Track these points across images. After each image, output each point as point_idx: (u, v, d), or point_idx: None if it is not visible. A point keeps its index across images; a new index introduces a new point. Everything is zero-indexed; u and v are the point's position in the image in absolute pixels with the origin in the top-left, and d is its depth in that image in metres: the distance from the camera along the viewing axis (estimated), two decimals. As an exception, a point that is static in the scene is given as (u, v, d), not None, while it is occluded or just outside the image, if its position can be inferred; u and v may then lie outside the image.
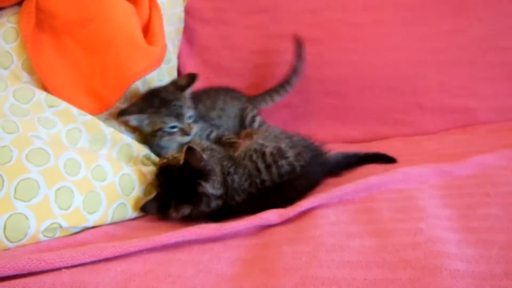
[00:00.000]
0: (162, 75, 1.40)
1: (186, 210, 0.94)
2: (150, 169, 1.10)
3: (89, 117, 1.00)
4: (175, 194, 0.94)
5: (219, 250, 0.81)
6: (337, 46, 1.46)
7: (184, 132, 1.19)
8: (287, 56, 1.54)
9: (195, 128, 1.21)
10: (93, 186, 0.91)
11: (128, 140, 1.07)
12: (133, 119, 1.15)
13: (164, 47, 1.19)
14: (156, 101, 1.16)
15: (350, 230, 0.81)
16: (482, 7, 1.44)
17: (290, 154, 1.01)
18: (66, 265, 0.72)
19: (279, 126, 1.24)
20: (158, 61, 1.13)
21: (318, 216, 0.88)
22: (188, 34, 1.65)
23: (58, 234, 0.86)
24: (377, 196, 0.94)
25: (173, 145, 1.22)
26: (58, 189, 0.85)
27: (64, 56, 1.10)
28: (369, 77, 1.45)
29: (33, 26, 1.09)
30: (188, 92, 1.21)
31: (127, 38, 1.09)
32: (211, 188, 0.93)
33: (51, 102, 0.98)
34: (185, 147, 0.91)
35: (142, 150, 1.11)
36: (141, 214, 1.01)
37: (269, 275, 0.69)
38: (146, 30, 1.25)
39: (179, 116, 1.17)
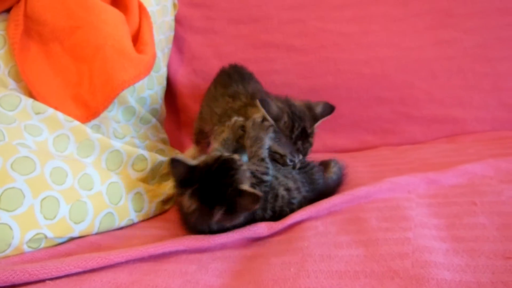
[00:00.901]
0: (152, 84, 1.40)
1: (193, 205, 0.85)
2: (141, 175, 1.09)
3: (76, 123, 0.99)
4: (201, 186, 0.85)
5: (207, 261, 0.80)
6: (326, 56, 1.47)
7: (294, 167, 1.05)
8: (277, 65, 1.55)
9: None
10: (79, 195, 0.89)
11: (117, 145, 1.06)
12: (273, 108, 1.00)
13: (154, 56, 1.19)
14: (297, 125, 1.01)
15: (338, 240, 0.81)
16: (468, 19, 1.46)
17: (296, 194, 0.97)
18: (50, 276, 0.71)
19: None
20: (147, 70, 1.12)
21: (306, 227, 0.88)
22: (178, 43, 1.66)
23: (43, 245, 0.85)
24: (365, 206, 0.94)
25: None
26: (43, 199, 0.83)
27: (52, 64, 1.09)
28: (357, 87, 1.46)
29: (21, 33, 1.08)
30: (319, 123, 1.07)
31: (115, 46, 1.09)
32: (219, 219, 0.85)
33: (38, 109, 0.96)
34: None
35: (132, 154, 1.09)
36: (129, 223, 1.00)
37: (257, 286, 0.69)
38: (136, 38, 1.24)
39: (304, 155, 1.05)
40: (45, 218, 0.83)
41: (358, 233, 0.83)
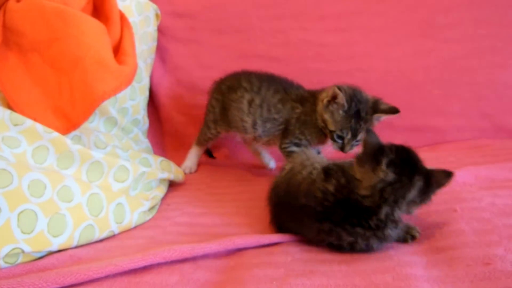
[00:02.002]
0: (134, 94, 1.39)
1: (390, 175, 0.79)
2: (123, 186, 1.08)
3: (55, 134, 0.97)
4: (398, 160, 0.82)
5: (189, 271, 0.80)
6: (308, 67, 1.48)
7: (342, 149, 1.16)
8: (260, 75, 1.56)
9: (352, 150, 1.17)
10: (58, 208, 0.88)
11: (98, 156, 1.04)
12: (341, 100, 1.10)
13: (135, 67, 1.18)
14: (353, 107, 1.11)
15: (322, 257, 0.82)
16: (448, 29, 1.48)
17: None
18: (27, 292, 0.70)
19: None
20: (128, 81, 1.12)
21: (290, 243, 0.89)
22: (161, 53, 1.66)
23: (20, 260, 0.83)
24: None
25: None
26: (20, 212, 0.82)
27: (31, 75, 1.08)
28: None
29: (-1, 44, 1.07)
30: (378, 118, 1.15)
31: (95, 58, 1.08)
32: (415, 191, 0.81)
33: (16, 120, 0.95)
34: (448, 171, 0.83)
35: (113, 164, 1.08)
36: (110, 234, 0.98)
37: (239, 298, 0.69)
38: (117, 49, 1.23)
39: (353, 136, 1.14)
40: (22, 232, 0.81)
41: (341, 253, 0.83)
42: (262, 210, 1.02)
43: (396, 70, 1.48)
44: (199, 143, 1.47)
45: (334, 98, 1.12)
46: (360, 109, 1.11)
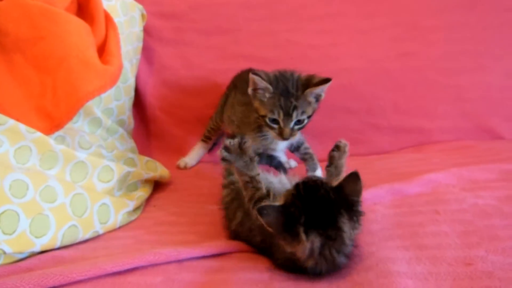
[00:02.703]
0: (119, 94, 1.38)
1: (316, 241, 0.71)
2: (107, 186, 1.07)
3: (38, 134, 0.96)
4: (310, 217, 0.72)
5: (174, 271, 0.79)
6: (294, 67, 1.47)
7: (281, 134, 1.09)
8: (246, 76, 1.56)
9: (296, 137, 1.13)
10: (41, 208, 0.87)
11: (82, 157, 1.03)
12: (260, 83, 1.06)
13: (120, 67, 1.17)
14: (280, 86, 1.07)
15: None
16: (433, 32, 1.50)
17: None
18: (9, 294, 0.69)
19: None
20: (113, 81, 1.11)
21: None
22: (147, 53, 1.65)
23: (1, 261, 0.82)
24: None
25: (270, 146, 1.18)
26: (2, 213, 0.80)
27: (14, 74, 1.06)
28: (325, 98, 1.47)
29: (-19, 43, 1.05)
30: (311, 93, 1.08)
31: (80, 57, 1.07)
32: (349, 229, 0.73)
33: (-2, 121, 0.94)
34: (351, 172, 0.76)
35: (98, 165, 1.07)
36: (94, 235, 0.97)
37: (223, 299, 0.69)
38: (102, 49, 1.23)
39: (287, 115, 1.07)
40: (4, 233, 0.80)
41: None
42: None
43: (381, 71, 1.49)
44: (203, 138, 1.50)
45: (254, 84, 1.08)
46: (288, 87, 1.07)
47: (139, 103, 1.62)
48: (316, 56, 1.53)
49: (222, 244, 0.88)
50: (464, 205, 0.93)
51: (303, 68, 1.48)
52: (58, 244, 0.89)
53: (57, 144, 0.99)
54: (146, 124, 1.64)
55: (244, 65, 1.54)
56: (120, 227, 1.04)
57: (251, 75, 1.07)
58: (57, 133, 1.08)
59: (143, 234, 0.99)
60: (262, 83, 1.07)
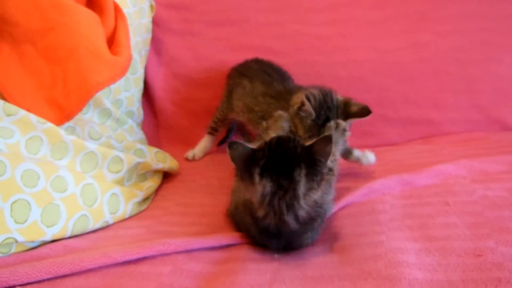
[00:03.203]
0: (129, 86, 1.38)
1: (267, 186, 0.73)
2: (117, 177, 1.08)
3: (49, 125, 0.97)
4: (270, 162, 0.75)
5: (183, 261, 0.80)
6: (303, 59, 1.48)
7: None
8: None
9: None
10: (52, 198, 0.88)
11: (92, 147, 1.04)
12: (308, 109, 1.05)
13: (129, 58, 1.17)
14: (322, 115, 1.07)
15: (313, 249, 0.83)
16: (443, 23, 1.48)
17: None
18: (20, 283, 0.70)
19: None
20: (122, 72, 1.11)
21: None
22: (156, 45, 1.64)
23: (13, 250, 0.83)
24: (340, 213, 0.95)
25: None
26: (14, 202, 0.81)
27: (25, 65, 1.07)
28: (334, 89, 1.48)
29: (-9, 34, 1.06)
30: (349, 123, 1.10)
31: (90, 48, 1.07)
32: (304, 185, 0.75)
33: (9, 111, 0.94)
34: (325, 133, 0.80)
35: (107, 155, 1.07)
36: (104, 225, 0.98)
37: (232, 289, 0.69)
38: (112, 40, 1.23)
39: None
40: (16, 222, 0.81)
41: (332, 241, 0.84)
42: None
43: (391, 62, 1.48)
44: (209, 130, 1.50)
45: (302, 105, 1.08)
46: (330, 117, 1.07)
47: (148, 94, 1.62)
48: (324, 47, 1.52)
49: (231, 235, 0.88)
50: (474, 197, 0.93)
51: (312, 60, 1.49)
52: (68, 233, 0.90)
53: (67, 135, 1.00)
54: (155, 115, 1.65)
55: (252, 56, 1.54)
56: (129, 217, 1.05)
57: (303, 99, 1.05)
58: (67, 124, 1.09)
59: (153, 224, 1.00)
60: (310, 109, 1.06)
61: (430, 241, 0.78)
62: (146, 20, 1.54)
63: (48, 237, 0.86)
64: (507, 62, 1.44)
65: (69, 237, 0.91)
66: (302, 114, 1.08)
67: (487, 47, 1.45)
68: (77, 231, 0.92)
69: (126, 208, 1.03)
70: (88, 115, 1.21)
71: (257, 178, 0.74)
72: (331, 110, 1.08)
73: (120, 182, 1.09)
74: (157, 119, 1.65)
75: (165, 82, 1.63)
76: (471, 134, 1.41)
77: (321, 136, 0.76)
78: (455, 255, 0.73)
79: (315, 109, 1.07)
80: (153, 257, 0.81)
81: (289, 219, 0.75)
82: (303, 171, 0.75)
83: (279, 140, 0.78)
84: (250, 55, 1.54)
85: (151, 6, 1.58)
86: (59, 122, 1.03)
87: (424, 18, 1.49)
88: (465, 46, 1.47)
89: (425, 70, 1.47)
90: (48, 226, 0.86)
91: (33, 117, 0.95)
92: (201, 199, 1.13)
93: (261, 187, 0.73)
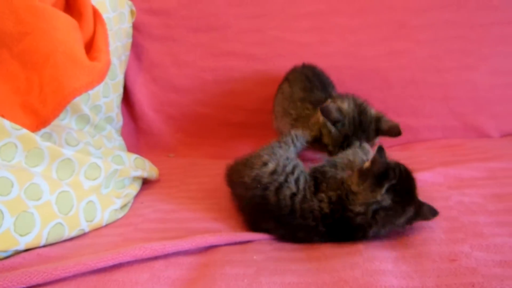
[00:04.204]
0: (108, 91, 1.37)
1: (387, 200, 0.82)
2: (94, 184, 1.07)
3: (24, 131, 0.94)
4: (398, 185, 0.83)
5: (160, 268, 0.79)
6: (284, 65, 1.48)
7: (329, 155, 1.13)
8: (236, 73, 1.56)
9: None
10: (26, 206, 0.86)
11: (68, 154, 1.02)
12: (333, 115, 1.08)
13: (108, 63, 1.16)
14: (352, 127, 1.09)
15: (294, 255, 0.83)
16: (421, 31, 1.50)
17: None
18: (-9, 292, 0.69)
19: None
20: (100, 77, 1.10)
21: (263, 242, 0.90)
22: (137, 50, 1.64)
23: (-15, 259, 0.81)
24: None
25: None
26: (-15, 211, 0.80)
27: (-1, 70, 1.05)
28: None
29: (-35, 38, 1.04)
30: (377, 140, 1.13)
31: (67, 53, 1.05)
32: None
33: (-18, 118, 0.92)
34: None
35: (84, 162, 1.06)
36: (80, 233, 0.97)
37: (209, 296, 0.69)
38: (90, 45, 1.21)
39: (342, 147, 1.10)
40: (-13, 231, 0.79)
41: (313, 249, 0.85)
42: (235, 207, 1.03)
43: (370, 69, 1.50)
44: None
45: (337, 121, 1.08)
46: (360, 136, 1.09)
47: (128, 100, 1.61)
48: (305, 54, 1.53)
49: (208, 237, 0.88)
50: (450, 202, 0.94)
51: (293, 65, 1.49)
52: (43, 242, 0.88)
53: (43, 141, 0.98)
54: (135, 121, 1.64)
55: (233, 63, 1.55)
56: (107, 225, 1.03)
57: (329, 107, 1.07)
58: (43, 130, 1.06)
59: (131, 232, 0.99)
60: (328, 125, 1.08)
61: (407, 248, 0.79)
62: (126, 25, 1.53)
63: (22, 246, 0.84)
64: (483, 70, 1.47)
65: (44, 246, 0.89)
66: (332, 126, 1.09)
67: (463, 55, 1.48)
68: (52, 239, 0.90)
69: (103, 215, 1.02)
70: (66, 121, 1.19)
71: (384, 190, 0.81)
72: (364, 125, 1.10)
73: (97, 190, 1.07)
74: (137, 125, 1.64)
75: (146, 88, 1.63)
76: (448, 140, 1.43)
77: (432, 207, 0.85)
78: (430, 260, 0.74)
79: (348, 123, 1.08)
80: (129, 264, 0.80)
81: (373, 230, 0.83)
82: (411, 213, 0.83)
83: (408, 174, 0.86)
84: (231, 61, 1.55)
85: (132, 11, 1.58)
86: (34, 128, 1.01)
87: (403, 26, 1.51)
88: (442, 54, 1.49)
89: (403, 77, 1.49)
90: (21, 235, 0.84)
91: (7, 123, 0.93)
92: (181, 205, 1.13)
93: (381, 198, 0.81)
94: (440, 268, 0.71)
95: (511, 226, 0.83)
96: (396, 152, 1.42)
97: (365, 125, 1.10)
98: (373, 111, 1.13)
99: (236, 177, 1.01)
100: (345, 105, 1.11)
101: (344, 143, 1.10)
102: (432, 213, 0.84)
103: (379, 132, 1.11)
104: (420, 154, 1.34)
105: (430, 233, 0.82)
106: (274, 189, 0.90)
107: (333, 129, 1.09)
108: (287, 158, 0.98)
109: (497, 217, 0.87)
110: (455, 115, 1.47)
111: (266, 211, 0.90)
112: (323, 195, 0.87)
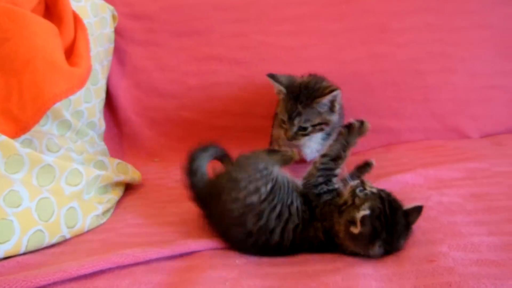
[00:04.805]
0: (89, 96, 1.36)
1: (378, 251, 0.80)
2: (76, 190, 1.06)
3: (3, 137, 0.94)
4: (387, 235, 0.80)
5: (141, 274, 0.79)
6: (267, 69, 1.46)
7: (285, 134, 1.17)
8: (219, 78, 1.56)
9: (301, 141, 1.18)
10: (5, 213, 0.85)
11: (49, 160, 1.01)
12: (275, 85, 1.18)
13: (89, 68, 1.16)
14: (295, 91, 1.15)
15: (275, 259, 0.84)
16: (401, 34, 1.52)
17: None
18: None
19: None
20: (81, 83, 1.09)
21: None
22: (119, 55, 1.63)
23: (-37, 267, 0.80)
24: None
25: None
26: (-37, 219, 0.79)
27: (-23, 77, 1.04)
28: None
29: None
30: (317, 103, 1.13)
31: (46, 59, 1.05)
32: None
33: (-40, 125, 0.91)
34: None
35: (65, 168, 1.05)
36: (61, 239, 0.96)
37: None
38: (71, 51, 1.21)
39: (290, 119, 1.14)
40: (-34, 239, 0.78)
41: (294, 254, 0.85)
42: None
43: (351, 73, 1.51)
44: None
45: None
46: (301, 93, 1.14)
47: (110, 105, 1.60)
48: (288, 58, 1.54)
49: (190, 242, 0.88)
50: (430, 203, 0.96)
51: (276, 70, 1.50)
52: (23, 249, 0.87)
53: (23, 148, 0.97)
54: (118, 126, 1.63)
55: (216, 67, 1.55)
56: (88, 231, 1.03)
57: (269, 78, 1.17)
58: (24, 136, 1.06)
59: (112, 237, 0.98)
60: (276, 85, 1.17)
61: (387, 251, 0.80)
62: (108, 30, 1.52)
63: (1, 254, 0.84)
64: (462, 72, 1.49)
65: (24, 253, 0.88)
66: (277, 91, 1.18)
67: (443, 58, 1.50)
68: (32, 247, 0.89)
69: (84, 221, 1.01)
70: (47, 127, 1.18)
71: (376, 247, 0.79)
72: (308, 88, 1.15)
73: (78, 195, 1.06)
74: (121, 130, 1.63)
75: (129, 92, 1.62)
76: (429, 142, 1.44)
77: (415, 207, 0.84)
78: (409, 262, 0.75)
79: (286, 86, 1.16)
80: (110, 270, 0.80)
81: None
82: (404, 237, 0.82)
83: (393, 212, 0.82)
84: (214, 65, 1.55)
85: (113, 16, 1.57)
86: (14, 134, 1.00)
87: (384, 29, 1.53)
88: (423, 57, 1.51)
89: (384, 80, 1.51)
90: (0, 243, 0.83)
91: (-15, 130, 0.92)
92: (163, 209, 1.12)
93: (373, 252, 0.79)
94: (418, 269, 0.72)
95: (489, 225, 0.84)
96: (378, 153, 1.43)
97: (309, 91, 1.15)
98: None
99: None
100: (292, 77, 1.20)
101: (288, 109, 1.14)
102: (418, 211, 0.83)
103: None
104: (402, 155, 1.35)
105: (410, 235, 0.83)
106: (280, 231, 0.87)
107: (283, 90, 1.16)
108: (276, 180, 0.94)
109: (475, 216, 0.88)
110: (436, 117, 1.49)
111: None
112: (318, 224, 0.87)
